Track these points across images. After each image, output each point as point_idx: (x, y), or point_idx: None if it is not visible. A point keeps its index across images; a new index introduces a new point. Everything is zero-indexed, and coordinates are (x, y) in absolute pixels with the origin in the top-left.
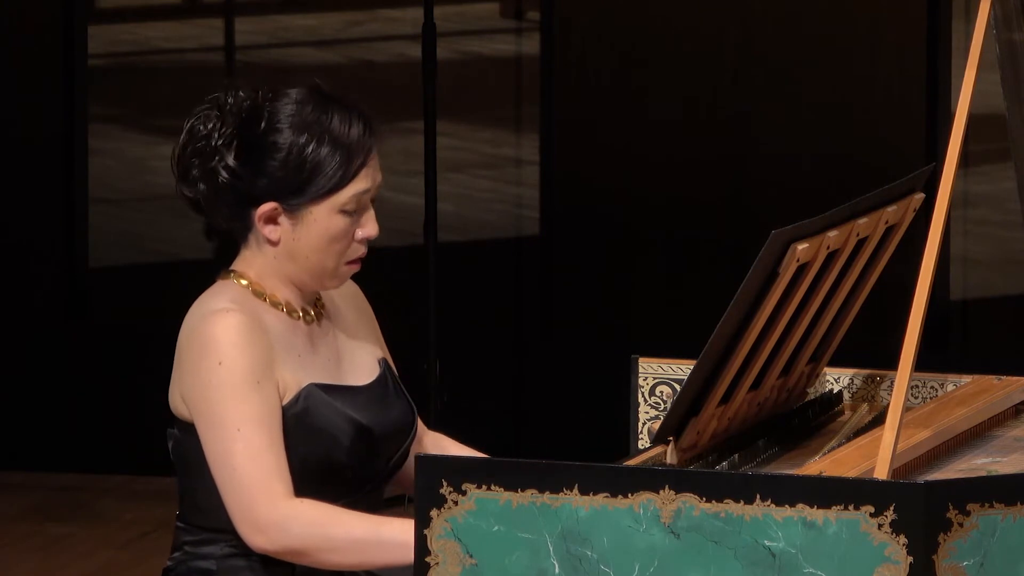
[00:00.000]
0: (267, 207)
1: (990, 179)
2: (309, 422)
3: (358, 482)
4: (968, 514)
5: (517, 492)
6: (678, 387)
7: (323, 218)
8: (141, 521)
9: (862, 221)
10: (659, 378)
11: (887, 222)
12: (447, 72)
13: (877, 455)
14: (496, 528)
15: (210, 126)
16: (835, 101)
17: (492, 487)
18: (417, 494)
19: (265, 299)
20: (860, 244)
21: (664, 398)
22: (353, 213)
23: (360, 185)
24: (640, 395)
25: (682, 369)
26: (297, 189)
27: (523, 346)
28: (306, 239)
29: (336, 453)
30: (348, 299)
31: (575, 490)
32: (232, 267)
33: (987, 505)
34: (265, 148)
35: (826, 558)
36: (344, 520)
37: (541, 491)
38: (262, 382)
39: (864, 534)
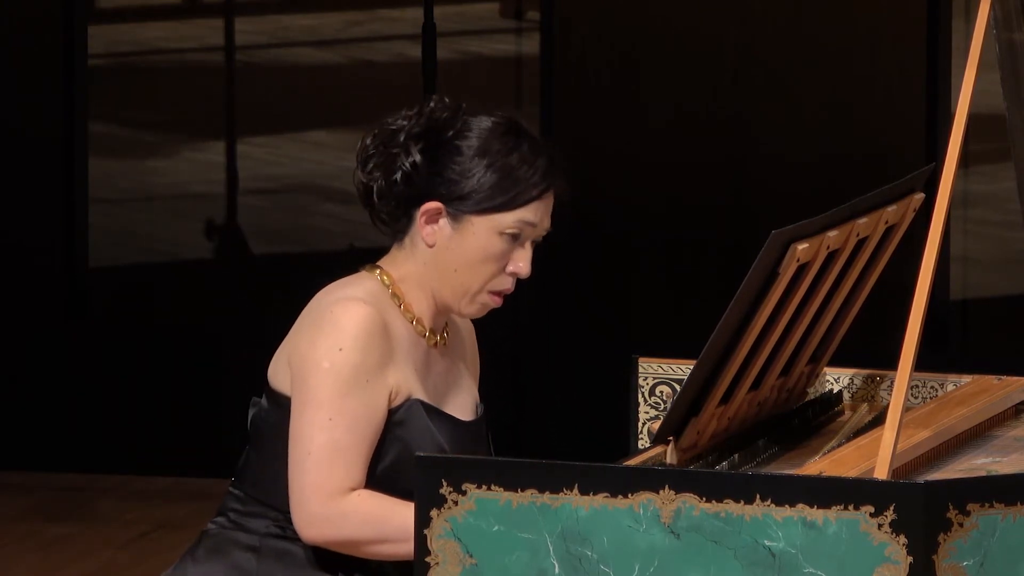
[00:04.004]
0: (432, 205)
1: (990, 179)
2: (402, 435)
3: None
4: (968, 514)
5: (517, 492)
6: (678, 387)
7: (482, 234)
8: (141, 521)
9: (862, 221)
10: (659, 378)
11: (887, 222)
12: (447, 72)
13: (877, 455)
14: (496, 528)
15: (402, 122)
16: (835, 101)
17: (492, 487)
18: (417, 494)
19: (400, 305)
20: (860, 244)
21: (664, 398)
22: (513, 240)
23: (526, 215)
24: (640, 395)
25: (682, 369)
26: (466, 195)
27: (523, 346)
28: (460, 250)
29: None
30: (468, 338)
31: (575, 490)
32: (379, 263)
33: (987, 505)
34: (449, 151)
35: (826, 558)
36: (398, 512)
37: (541, 491)
38: (371, 382)
39: (864, 534)
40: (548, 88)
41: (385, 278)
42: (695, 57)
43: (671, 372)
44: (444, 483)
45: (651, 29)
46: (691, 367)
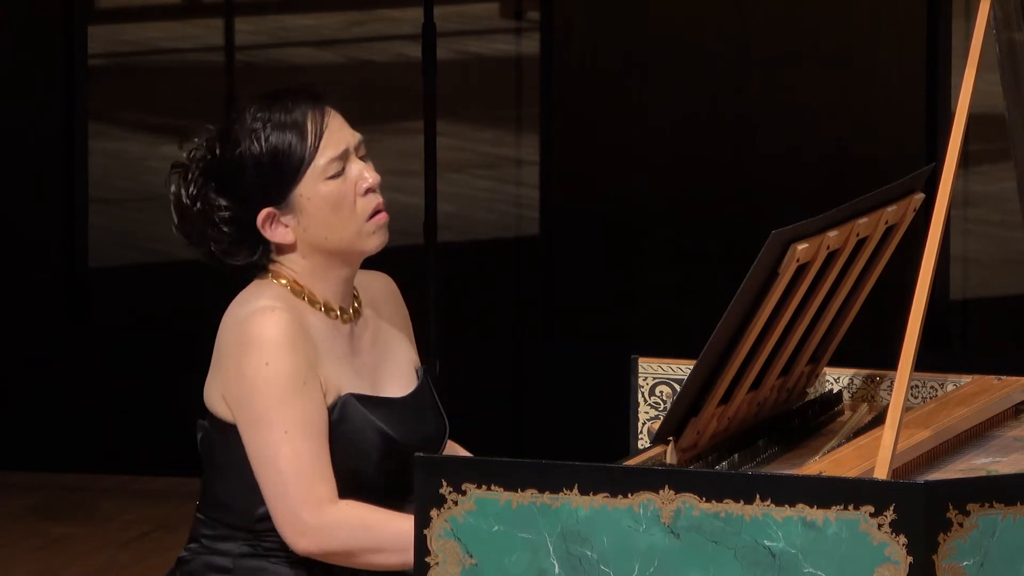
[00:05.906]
0: (262, 214)
1: (990, 179)
2: (343, 432)
3: (386, 492)
4: (968, 514)
5: (517, 492)
6: (678, 387)
7: (316, 192)
8: (141, 521)
9: (862, 221)
10: (659, 378)
11: (887, 222)
12: (447, 72)
13: (877, 455)
14: (496, 528)
15: (180, 184)
16: (835, 101)
17: (492, 487)
18: (417, 494)
19: (304, 298)
20: (860, 244)
21: (664, 398)
22: (340, 175)
23: (330, 148)
24: (640, 395)
25: (682, 369)
26: (277, 184)
27: (523, 346)
28: (315, 220)
29: (366, 466)
30: (388, 297)
31: (575, 490)
32: (268, 268)
33: (987, 505)
34: (231, 168)
35: (826, 558)
36: (390, 521)
37: (541, 491)
38: (308, 383)
39: (864, 534)
40: (548, 88)
41: (281, 280)
42: (695, 57)
43: (671, 372)
44: (444, 483)
45: (651, 29)
46: (691, 367)
